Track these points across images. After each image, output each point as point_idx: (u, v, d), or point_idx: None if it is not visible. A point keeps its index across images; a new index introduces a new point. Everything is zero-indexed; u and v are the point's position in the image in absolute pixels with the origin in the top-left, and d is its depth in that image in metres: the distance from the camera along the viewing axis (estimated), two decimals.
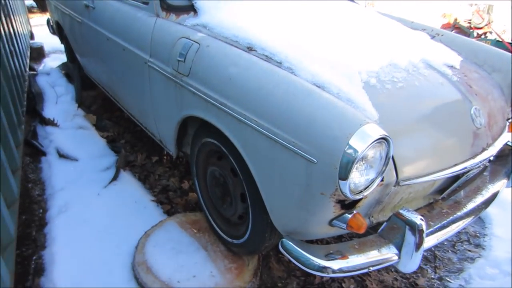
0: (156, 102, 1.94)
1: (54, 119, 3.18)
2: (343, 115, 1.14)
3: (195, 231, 1.95)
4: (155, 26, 1.88)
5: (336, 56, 1.51)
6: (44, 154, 2.76)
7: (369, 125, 1.10)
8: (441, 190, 1.60)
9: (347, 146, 1.07)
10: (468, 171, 1.52)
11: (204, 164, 1.87)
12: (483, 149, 1.56)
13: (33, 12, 8.44)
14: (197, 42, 1.60)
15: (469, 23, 6.91)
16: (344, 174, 1.08)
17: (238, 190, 1.63)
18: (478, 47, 2.06)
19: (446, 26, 7.24)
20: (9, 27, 2.79)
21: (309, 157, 1.13)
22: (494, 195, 1.72)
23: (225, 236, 1.81)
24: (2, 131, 1.79)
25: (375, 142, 1.10)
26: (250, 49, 1.52)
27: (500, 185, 1.78)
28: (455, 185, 1.58)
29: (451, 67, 1.72)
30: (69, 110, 3.44)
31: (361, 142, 1.07)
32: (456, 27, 7.00)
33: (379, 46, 1.69)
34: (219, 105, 1.42)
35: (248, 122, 1.30)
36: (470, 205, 1.64)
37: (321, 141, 1.11)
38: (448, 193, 1.62)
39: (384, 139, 1.12)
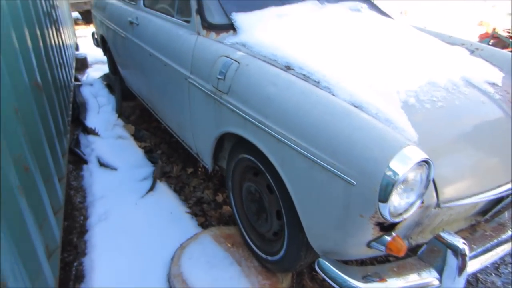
0: (195, 117, 2.00)
1: (95, 128, 3.32)
2: (383, 136, 1.14)
3: (229, 245, 1.98)
4: (196, 44, 1.94)
5: (373, 75, 1.51)
6: (86, 162, 2.89)
7: (409, 148, 1.09)
8: (484, 212, 1.56)
9: (388, 169, 1.07)
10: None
11: (240, 179, 1.90)
12: None
13: (78, 24, 8.87)
14: (236, 61, 1.64)
15: (509, 32, 6.63)
16: (384, 197, 1.08)
17: (274, 207, 1.64)
18: None
19: (484, 36, 6.97)
20: (58, 40, 2.97)
21: (348, 178, 1.13)
22: None
23: (259, 252, 1.83)
24: (50, 140, 1.90)
25: (416, 165, 1.09)
26: (288, 68, 1.54)
27: None
28: (499, 206, 1.53)
29: (493, 84, 1.67)
30: (110, 120, 3.58)
31: (402, 165, 1.06)
32: (494, 37, 6.72)
33: (417, 63, 1.68)
34: (258, 123, 1.45)
35: (286, 141, 1.32)
36: None
37: (361, 163, 1.12)
38: (491, 215, 1.58)
39: (425, 161, 1.11)
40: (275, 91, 1.43)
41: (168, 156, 3.14)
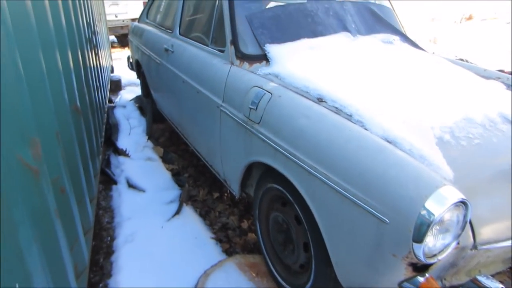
0: (225, 144, 2.03)
1: (126, 149, 3.41)
2: (418, 174, 1.12)
3: (253, 274, 1.96)
4: (229, 73, 1.99)
5: (407, 110, 1.50)
6: (115, 183, 2.96)
7: (446, 187, 1.07)
8: None
9: (423, 208, 1.05)
10: None
11: (267, 209, 1.89)
12: None
13: (114, 47, 9.27)
14: (269, 92, 1.67)
15: None
16: (418, 237, 1.05)
17: (302, 239, 1.62)
18: None
19: None
20: (96, 64, 3.11)
21: (381, 216, 1.11)
22: None
23: (284, 284, 1.80)
24: (84, 161, 1.95)
25: (453, 205, 1.06)
26: (320, 100, 1.55)
27: None
28: None
29: None
30: (140, 141, 3.67)
31: (438, 205, 1.04)
32: None
33: (452, 98, 1.65)
34: (289, 155, 1.46)
35: (318, 174, 1.32)
36: None
37: (395, 201, 1.10)
38: None
39: (462, 202, 1.08)
40: (307, 123, 1.44)
41: (195, 179, 3.17)
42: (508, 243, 1.27)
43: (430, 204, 1.04)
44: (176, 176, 3.17)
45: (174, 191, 2.89)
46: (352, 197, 1.20)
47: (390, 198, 1.11)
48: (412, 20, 14.79)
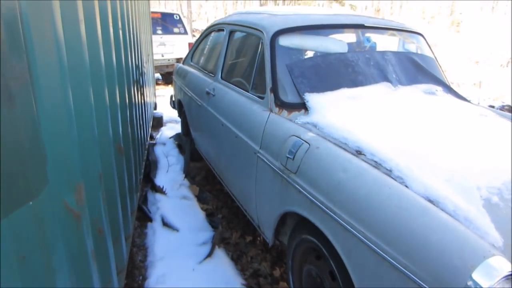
0: (260, 191, 2.03)
1: (163, 187, 3.47)
2: (464, 241, 1.06)
3: None
4: (268, 120, 2.02)
5: (451, 166, 1.44)
6: (151, 220, 3.00)
7: (495, 258, 1.00)
8: None
9: (469, 279, 0.98)
10: None
11: (301, 260, 1.84)
12: None
13: (158, 84, 9.71)
14: (307, 142, 1.67)
15: None
16: None
17: None
18: None
19: None
20: (141, 102, 3.25)
21: (423, 284, 1.05)
22: None
23: None
24: (122, 199, 1.98)
25: (504, 278, 0.99)
26: (359, 153, 1.53)
27: None
28: None
29: None
30: (177, 179, 3.74)
31: (486, 278, 0.97)
32: None
33: (500, 155, 1.58)
34: (325, 208, 1.43)
35: (355, 232, 1.28)
36: None
37: (437, 269, 1.04)
38: None
39: None
40: (345, 177, 1.42)
41: (228, 221, 3.16)
42: None
43: (477, 276, 0.98)
44: (210, 216, 3.18)
45: (207, 232, 2.88)
46: (391, 260, 1.15)
47: (433, 266, 1.05)
48: (456, 62, 14.59)
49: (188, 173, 3.90)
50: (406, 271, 1.10)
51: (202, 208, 3.30)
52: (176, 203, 3.32)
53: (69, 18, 1.10)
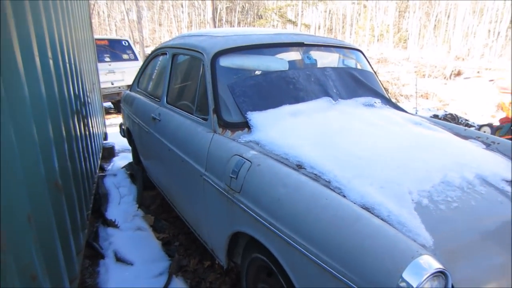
0: (209, 214, 2.01)
1: (115, 220, 3.35)
2: (394, 245, 1.10)
3: None
4: (211, 142, 2.02)
5: (385, 174, 1.51)
6: (103, 257, 2.87)
7: (423, 257, 1.04)
8: None
9: (400, 280, 1.02)
10: None
11: (255, 279, 1.83)
12: None
13: (110, 113, 9.43)
14: (249, 160, 1.68)
15: None
16: None
17: None
18: None
19: (504, 120, 7.01)
20: (85, 134, 3.11)
21: None
22: None
23: None
24: (64, 240, 1.81)
25: (431, 276, 1.03)
26: (299, 167, 1.57)
27: None
28: None
29: (510, 182, 1.63)
30: (130, 210, 3.62)
31: (415, 277, 1.01)
32: None
33: (430, 161, 1.67)
34: (268, 225, 1.44)
35: (297, 246, 1.29)
36: None
37: (372, 274, 1.07)
38: None
39: (441, 272, 1.05)
40: (285, 192, 1.44)
41: (185, 248, 3.09)
42: None
43: (407, 276, 1.01)
44: (167, 245, 3.09)
45: (163, 263, 2.79)
46: (331, 270, 1.17)
47: (368, 271, 1.08)
48: (404, 76, 15.49)
49: (141, 203, 3.79)
50: (344, 279, 1.12)
51: (158, 238, 3.20)
52: (129, 235, 3.20)
53: None
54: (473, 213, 1.40)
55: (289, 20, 30.99)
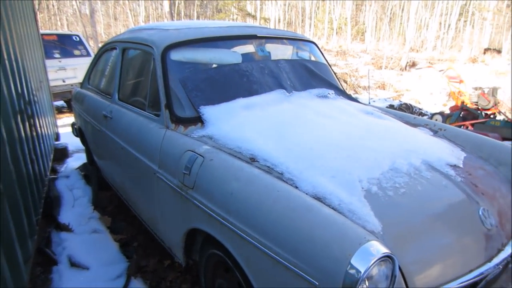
0: (164, 211, 1.96)
1: (69, 224, 3.20)
2: (342, 232, 1.11)
3: None
4: (164, 138, 1.97)
5: (337, 164, 1.53)
6: (56, 263, 2.74)
7: (370, 243, 1.06)
8: None
9: (349, 266, 1.03)
10: (486, 276, 1.42)
11: (213, 275, 1.81)
12: (499, 250, 1.48)
13: (63, 112, 8.97)
14: (201, 155, 1.65)
15: (476, 105, 7.07)
16: None
17: None
18: (483, 141, 2.06)
19: (454, 109, 7.43)
20: (32, 135, 2.94)
21: (311, 279, 1.08)
22: None
23: None
24: (9, 248, 1.73)
25: (378, 260, 1.05)
26: (252, 160, 1.55)
27: None
28: None
29: (454, 166, 1.70)
30: (85, 213, 3.48)
31: (363, 262, 1.03)
32: (464, 110, 7.16)
33: (380, 149, 1.71)
34: (222, 220, 1.42)
35: (250, 239, 1.28)
36: None
37: (322, 263, 1.08)
38: None
39: (388, 257, 1.07)
40: (237, 186, 1.42)
41: (144, 248, 3.01)
42: None
43: (355, 262, 1.03)
44: (125, 247, 3.00)
45: (121, 264, 2.71)
46: (283, 261, 1.17)
47: (317, 260, 1.09)
48: (363, 68, 15.98)
49: (97, 204, 3.65)
50: (297, 270, 1.12)
51: (115, 239, 3.10)
52: (85, 239, 3.07)
53: None
54: (419, 197, 1.45)
55: (249, 14, 30.92)
